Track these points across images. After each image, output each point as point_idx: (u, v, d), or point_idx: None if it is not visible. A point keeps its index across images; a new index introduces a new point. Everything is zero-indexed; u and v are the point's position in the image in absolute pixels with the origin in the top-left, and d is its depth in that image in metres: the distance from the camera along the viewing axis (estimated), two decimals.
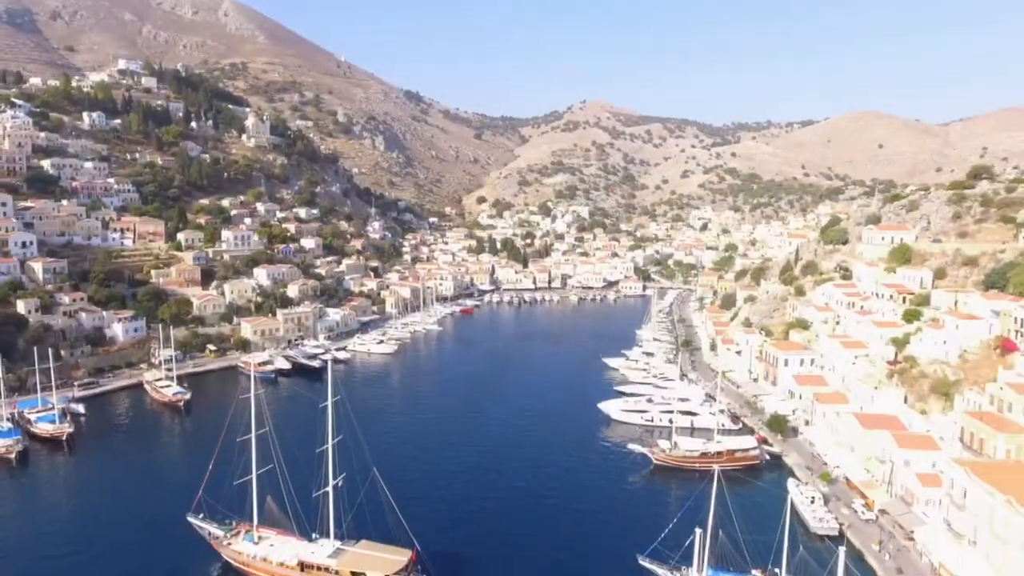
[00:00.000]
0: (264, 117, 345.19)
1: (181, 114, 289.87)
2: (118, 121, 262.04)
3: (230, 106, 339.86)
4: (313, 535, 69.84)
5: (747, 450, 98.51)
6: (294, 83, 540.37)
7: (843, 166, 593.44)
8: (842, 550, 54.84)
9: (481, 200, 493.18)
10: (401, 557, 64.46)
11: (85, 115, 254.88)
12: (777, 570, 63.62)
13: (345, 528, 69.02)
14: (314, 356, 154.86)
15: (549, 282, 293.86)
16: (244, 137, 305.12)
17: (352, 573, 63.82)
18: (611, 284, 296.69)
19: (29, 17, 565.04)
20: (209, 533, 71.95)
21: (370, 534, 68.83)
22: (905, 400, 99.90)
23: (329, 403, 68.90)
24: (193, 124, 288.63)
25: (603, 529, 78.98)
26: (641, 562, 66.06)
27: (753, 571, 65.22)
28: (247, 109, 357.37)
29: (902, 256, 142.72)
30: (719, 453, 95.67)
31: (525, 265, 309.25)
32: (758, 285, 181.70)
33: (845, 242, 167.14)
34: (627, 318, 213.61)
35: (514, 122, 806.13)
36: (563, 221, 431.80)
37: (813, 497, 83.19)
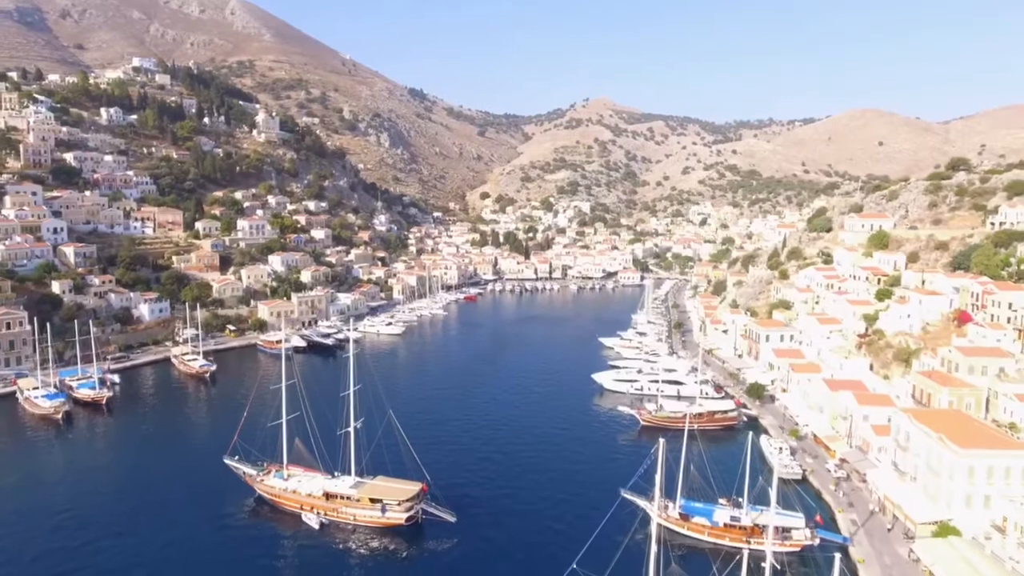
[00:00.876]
0: (273, 113, 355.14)
1: (194, 110, 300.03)
2: (134, 117, 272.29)
3: (240, 102, 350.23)
4: (335, 472, 79.61)
5: (726, 412, 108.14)
6: (300, 81, 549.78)
7: (843, 163, 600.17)
8: (775, 477, 64.04)
9: (484, 196, 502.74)
10: (414, 487, 74.24)
11: (103, 111, 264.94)
12: (740, 499, 73.17)
13: (364, 466, 78.76)
14: (328, 335, 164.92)
15: (550, 273, 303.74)
16: (255, 132, 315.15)
17: (371, 500, 73.57)
18: (610, 275, 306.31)
19: (39, 16, 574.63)
20: (244, 472, 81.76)
21: (387, 471, 78.67)
22: (871, 367, 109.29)
23: (351, 354, 78.73)
24: (206, 120, 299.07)
25: (592, 473, 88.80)
26: (623, 494, 75.59)
27: (720, 500, 74.86)
28: (257, 105, 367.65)
29: (879, 242, 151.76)
30: (700, 414, 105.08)
31: (527, 256, 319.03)
32: (747, 272, 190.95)
33: (829, 230, 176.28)
34: (624, 305, 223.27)
35: (517, 120, 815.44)
36: (565, 216, 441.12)
37: (781, 448, 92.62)
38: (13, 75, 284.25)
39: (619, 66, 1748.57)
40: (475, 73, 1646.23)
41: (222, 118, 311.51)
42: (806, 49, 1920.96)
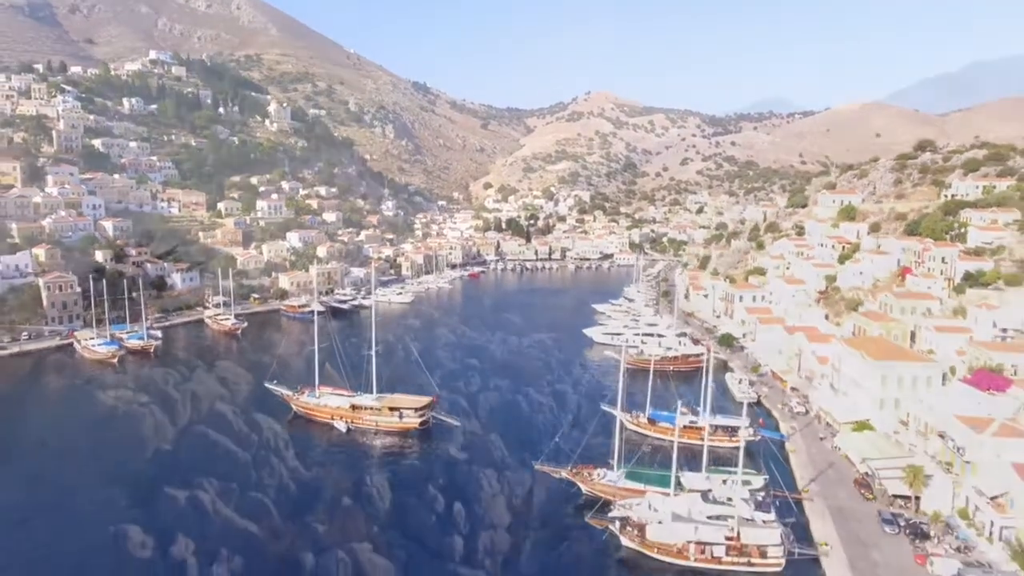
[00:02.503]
0: (284, 104, 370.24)
1: (210, 101, 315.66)
2: (154, 106, 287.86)
3: (253, 94, 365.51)
4: (359, 392, 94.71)
5: (698, 355, 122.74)
6: (307, 74, 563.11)
7: (841, 155, 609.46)
8: (707, 391, 78.52)
9: (487, 186, 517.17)
10: (426, 399, 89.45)
11: (125, 100, 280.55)
12: (698, 408, 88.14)
13: (384, 385, 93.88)
14: (344, 301, 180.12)
15: (550, 254, 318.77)
16: (267, 122, 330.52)
17: (390, 409, 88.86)
18: (607, 256, 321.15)
19: (49, 11, 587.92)
20: (282, 393, 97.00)
21: (403, 391, 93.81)
22: (826, 317, 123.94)
23: (373, 295, 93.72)
24: (221, 110, 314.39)
25: (580, 397, 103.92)
26: (603, 407, 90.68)
27: (681, 408, 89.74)
28: (268, 96, 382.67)
29: (847, 215, 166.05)
30: (675, 357, 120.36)
31: (528, 240, 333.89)
32: (730, 246, 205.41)
33: (804, 206, 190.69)
34: (618, 281, 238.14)
35: (520, 113, 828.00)
36: (565, 204, 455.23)
37: (740, 379, 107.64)
38: (39, 67, 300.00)
39: (621, 61, 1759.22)
40: (478, 67, 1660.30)
41: (236, 108, 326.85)
42: (809, 44, 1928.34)
